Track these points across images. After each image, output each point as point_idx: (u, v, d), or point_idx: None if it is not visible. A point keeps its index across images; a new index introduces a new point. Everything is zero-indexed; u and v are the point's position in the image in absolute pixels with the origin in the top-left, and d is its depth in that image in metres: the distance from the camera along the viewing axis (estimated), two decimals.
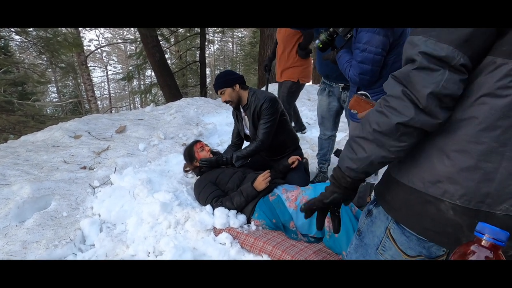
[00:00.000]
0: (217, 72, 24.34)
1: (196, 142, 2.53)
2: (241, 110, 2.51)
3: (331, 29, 1.95)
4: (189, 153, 2.48)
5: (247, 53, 19.35)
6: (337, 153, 1.20)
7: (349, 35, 1.91)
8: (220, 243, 1.91)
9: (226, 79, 2.36)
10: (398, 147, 0.74)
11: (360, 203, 2.26)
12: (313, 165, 3.08)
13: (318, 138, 2.82)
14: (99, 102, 18.81)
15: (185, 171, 2.53)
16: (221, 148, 3.58)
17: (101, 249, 1.93)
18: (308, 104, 5.66)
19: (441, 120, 0.69)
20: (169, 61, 9.42)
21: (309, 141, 4.15)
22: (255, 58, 16.90)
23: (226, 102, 2.41)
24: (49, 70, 14.28)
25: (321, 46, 1.99)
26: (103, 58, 23.20)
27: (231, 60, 22.85)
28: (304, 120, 4.81)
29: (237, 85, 2.35)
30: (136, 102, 21.61)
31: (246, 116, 2.49)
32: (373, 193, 2.17)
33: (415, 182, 0.75)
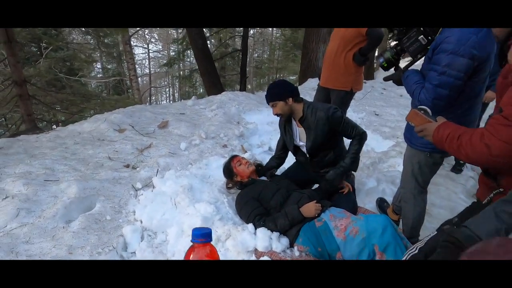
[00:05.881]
0: (255, 55, 24.02)
1: (233, 157, 2.48)
2: (294, 122, 2.36)
3: (398, 47, 1.78)
4: (228, 169, 2.43)
5: (288, 37, 18.66)
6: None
7: (419, 56, 1.71)
8: None
9: (279, 91, 2.20)
10: None
11: (412, 234, 2.09)
12: (358, 178, 2.89)
13: None
14: (139, 79, 19.36)
15: (228, 187, 2.47)
16: (261, 150, 3.48)
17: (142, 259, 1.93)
18: (352, 104, 5.33)
19: None
20: (210, 47, 9.34)
21: None
22: (295, 43, 16.30)
23: (277, 115, 2.28)
24: (94, 47, 14.80)
25: (385, 65, 1.82)
26: (146, 35, 23.61)
27: (270, 43, 22.29)
28: None
29: (290, 99, 2.20)
30: (175, 83, 21.98)
31: (300, 129, 2.33)
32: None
33: None
